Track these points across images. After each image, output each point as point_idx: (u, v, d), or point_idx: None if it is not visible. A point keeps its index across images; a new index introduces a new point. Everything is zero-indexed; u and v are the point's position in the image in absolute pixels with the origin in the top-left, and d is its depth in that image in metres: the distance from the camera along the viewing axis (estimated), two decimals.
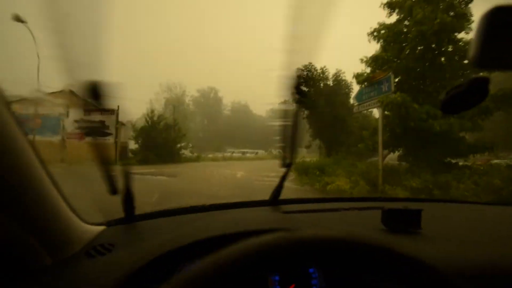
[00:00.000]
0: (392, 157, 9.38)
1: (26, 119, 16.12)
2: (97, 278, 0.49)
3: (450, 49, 7.32)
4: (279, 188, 1.04)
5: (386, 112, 7.08)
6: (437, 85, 7.57)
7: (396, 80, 7.66)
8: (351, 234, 0.36)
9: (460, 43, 7.16)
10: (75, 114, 17.57)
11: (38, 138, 15.01)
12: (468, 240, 0.73)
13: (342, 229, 0.62)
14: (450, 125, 6.20)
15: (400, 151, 8.25)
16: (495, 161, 8.69)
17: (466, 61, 7.33)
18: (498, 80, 7.15)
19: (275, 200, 1.04)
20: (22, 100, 17.10)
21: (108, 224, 0.78)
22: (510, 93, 6.06)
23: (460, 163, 7.22)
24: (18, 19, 13.42)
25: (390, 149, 7.99)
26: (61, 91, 18.91)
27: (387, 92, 6.80)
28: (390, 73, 6.96)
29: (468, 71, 7.10)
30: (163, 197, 5.56)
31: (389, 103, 6.32)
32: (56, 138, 16.89)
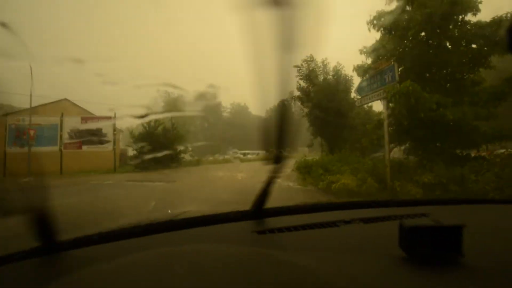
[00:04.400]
0: (397, 151, 8.89)
1: (21, 131, 15.71)
2: None
3: (456, 33, 6.79)
4: (262, 196, 0.89)
5: (390, 104, 6.58)
6: (443, 72, 7.04)
7: (400, 69, 7.14)
8: None
9: (467, 26, 6.62)
10: (71, 123, 17.17)
11: (35, 149, 14.60)
12: None
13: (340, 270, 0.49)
14: (464, 113, 5.67)
15: (407, 145, 7.72)
16: (501, 150, 8.09)
17: (473, 45, 6.80)
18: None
19: (258, 211, 0.90)
20: (18, 112, 16.72)
21: None
22: None
23: (473, 155, 6.70)
24: (3, 25, 12.99)
25: (396, 143, 7.46)
26: (56, 101, 18.54)
27: (390, 82, 6.31)
28: (394, 63, 6.46)
29: (475, 56, 6.57)
30: (161, 204, 5.25)
31: (396, 93, 5.79)
32: (53, 149, 16.46)
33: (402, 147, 8.12)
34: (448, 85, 7.03)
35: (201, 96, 48.62)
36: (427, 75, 7.17)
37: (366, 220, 0.88)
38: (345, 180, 6.60)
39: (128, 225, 0.83)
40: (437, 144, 6.52)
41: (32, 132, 13.60)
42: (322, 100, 11.11)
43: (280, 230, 0.79)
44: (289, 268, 0.45)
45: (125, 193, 7.20)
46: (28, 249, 0.62)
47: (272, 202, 0.94)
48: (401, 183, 5.71)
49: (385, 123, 6.27)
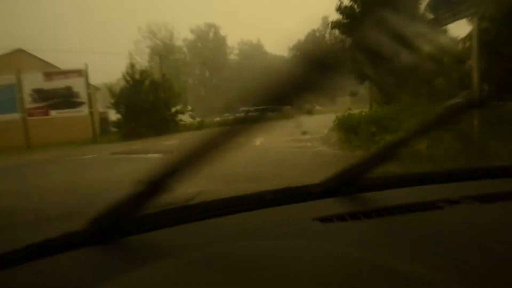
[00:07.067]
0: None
1: None
2: None
3: None
4: (361, 169, 0.91)
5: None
6: None
7: None
8: None
9: None
10: (32, 81, 17.41)
11: None
12: None
13: None
14: None
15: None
16: None
17: None
18: None
19: (301, 191, 0.92)
20: None
21: None
22: None
23: None
24: None
25: (490, 82, 6.88)
26: (8, 53, 18.66)
27: None
28: None
29: None
30: None
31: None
32: (13, 117, 17.04)
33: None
34: None
35: (198, 36, 47.59)
36: None
37: (483, 199, 0.81)
38: None
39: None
40: None
41: None
42: (374, 24, 10.20)
43: (353, 216, 0.75)
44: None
45: (110, 171, 7.49)
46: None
47: (306, 175, 1.01)
48: (496, 142, 5.40)
49: (474, 52, 5.71)
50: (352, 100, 17.56)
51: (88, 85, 18.36)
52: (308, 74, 0.70)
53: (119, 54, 55.86)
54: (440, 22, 6.87)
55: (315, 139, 10.38)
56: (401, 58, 10.92)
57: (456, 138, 5.97)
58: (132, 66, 19.56)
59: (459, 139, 5.94)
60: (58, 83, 17.78)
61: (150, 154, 10.03)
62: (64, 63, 19.41)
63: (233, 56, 51.97)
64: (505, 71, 6.65)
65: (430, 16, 7.19)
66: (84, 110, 18.05)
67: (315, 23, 48.22)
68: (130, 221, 0.74)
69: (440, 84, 7.26)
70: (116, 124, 18.58)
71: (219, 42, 49.13)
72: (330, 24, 11.54)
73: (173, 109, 19.62)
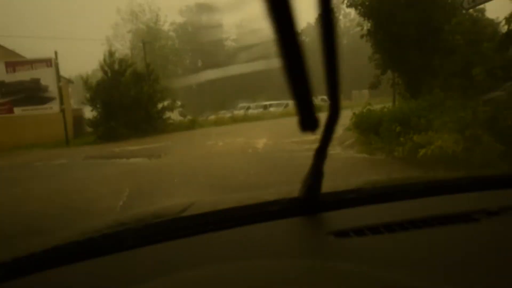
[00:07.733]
0: None
1: None
2: None
3: None
4: (314, 175, 0.86)
5: None
6: None
7: None
8: None
9: None
10: None
11: None
12: None
13: None
14: None
15: None
16: None
17: None
18: None
19: (313, 200, 0.90)
20: None
21: None
22: None
23: None
24: None
25: None
26: None
27: None
28: None
29: None
30: (138, 195, 5.51)
31: None
32: None
33: None
34: None
35: (189, 18, 48.02)
36: None
37: None
38: (443, 142, 6.41)
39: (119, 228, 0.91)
40: None
41: None
42: (398, 4, 10.18)
43: (374, 229, 0.76)
44: None
45: (85, 179, 7.50)
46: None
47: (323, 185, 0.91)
48: None
49: None
50: (371, 94, 17.56)
51: (58, 77, 18.45)
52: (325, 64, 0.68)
53: (95, 40, 56.25)
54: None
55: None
56: (432, 43, 10.90)
57: (498, 139, 5.99)
58: (110, 54, 19.71)
59: (502, 139, 5.96)
60: (23, 75, 17.88)
61: (133, 159, 10.04)
62: (30, 51, 19.41)
63: (230, 42, 52.13)
64: None
65: None
66: (54, 107, 18.12)
67: None
68: (97, 240, 0.77)
69: (478, 74, 7.20)
70: (92, 123, 18.68)
71: (213, 25, 49.36)
72: (345, 2, 11.44)
73: (160, 105, 19.79)
